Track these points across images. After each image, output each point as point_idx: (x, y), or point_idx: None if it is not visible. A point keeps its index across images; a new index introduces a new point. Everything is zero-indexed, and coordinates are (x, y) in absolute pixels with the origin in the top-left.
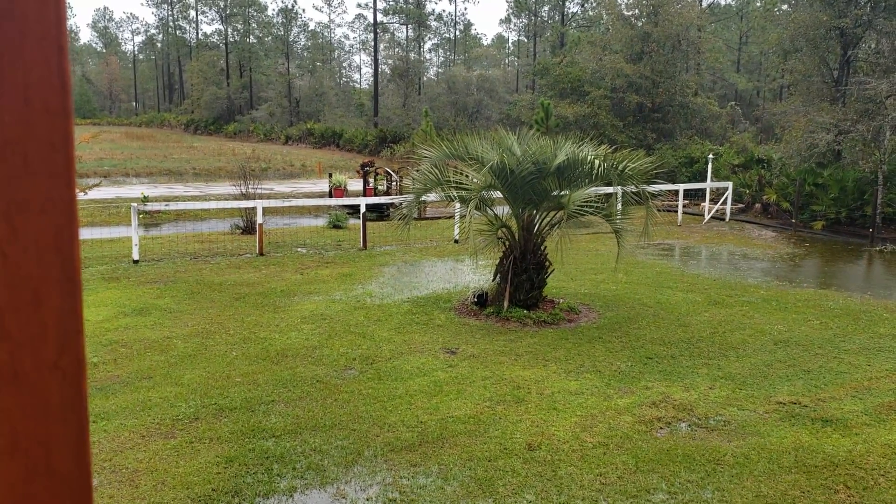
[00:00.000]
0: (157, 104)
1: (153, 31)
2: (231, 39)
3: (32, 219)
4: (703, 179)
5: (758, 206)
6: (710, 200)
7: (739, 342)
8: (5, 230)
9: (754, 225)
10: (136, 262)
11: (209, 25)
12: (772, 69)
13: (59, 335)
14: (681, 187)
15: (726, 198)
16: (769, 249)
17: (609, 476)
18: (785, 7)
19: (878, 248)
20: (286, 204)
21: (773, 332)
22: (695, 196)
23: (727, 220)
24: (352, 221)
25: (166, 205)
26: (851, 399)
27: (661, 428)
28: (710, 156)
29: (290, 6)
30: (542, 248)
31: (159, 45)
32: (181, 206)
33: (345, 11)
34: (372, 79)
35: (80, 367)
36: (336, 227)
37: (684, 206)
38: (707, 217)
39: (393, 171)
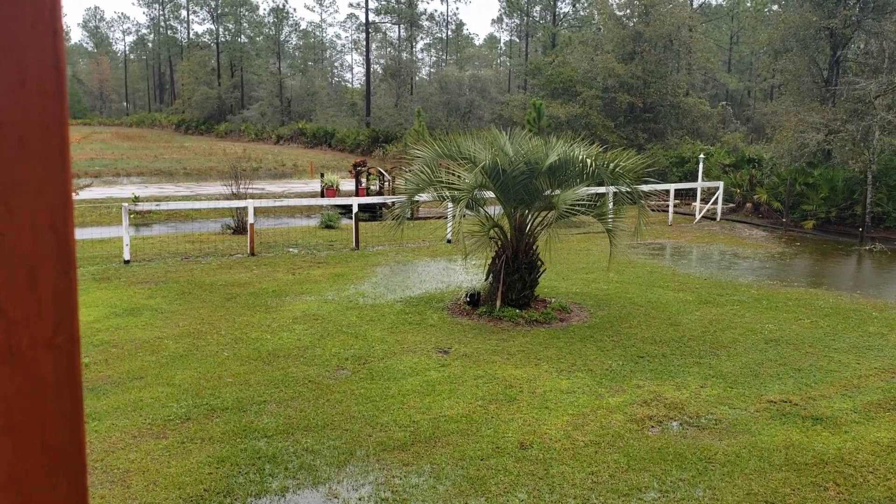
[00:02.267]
0: (148, 104)
1: (144, 30)
2: (222, 39)
3: (28, 199)
4: (694, 179)
5: (748, 205)
6: (701, 200)
7: (730, 341)
8: (1, 210)
9: (745, 224)
10: (126, 262)
11: (200, 25)
12: (762, 69)
13: (55, 313)
14: (672, 187)
15: (717, 197)
16: (760, 249)
17: (601, 475)
18: (775, 7)
19: (867, 248)
20: (278, 204)
21: (763, 331)
22: (686, 196)
23: (718, 219)
24: (344, 221)
25: (157, 205)
26: (841, 397)
27: (652, 427)
28: (701, 155)
29: (281, 6)
30: (534, 247)
31: (150, 44)
32: (172, 205)
33: (336, 11)
34: (364, 78)
35: (74, 345)
36: (328, 227)
37: (675, 206)
38: (698, 217)
39: (385, 171)
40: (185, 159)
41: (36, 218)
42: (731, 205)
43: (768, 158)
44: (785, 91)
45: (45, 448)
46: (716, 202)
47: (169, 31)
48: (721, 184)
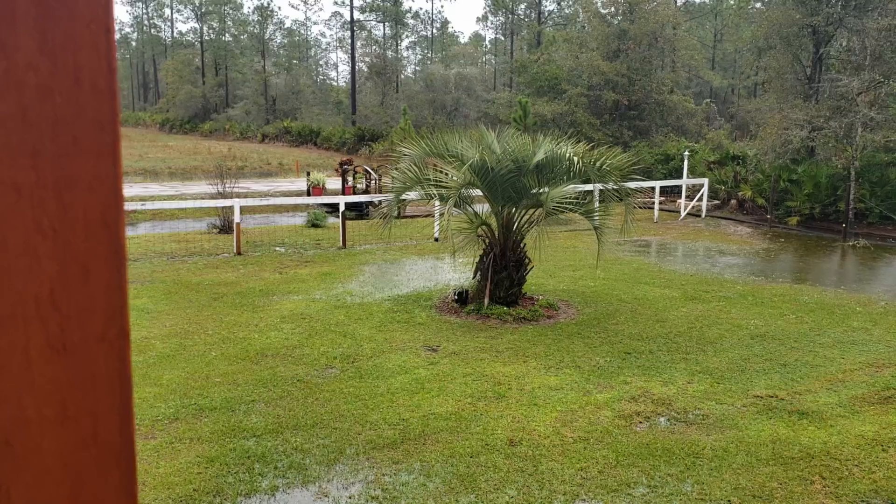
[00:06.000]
0: (132, 103)
1: (128, 29)
2: (206, 37)
3: (81, 196)
4: (679, 176)
5: (733, 202)
6: (686, 197)
7: (717, 337)
8: (56, 207)
9: (730, 221)
10: None
11: (184, 24)
12: (746, 66)
13: (107, 308)
14: (657, 184)
15: (702, 194)
16: (745, 245)
17: (590, 470)
18: (758, 5)
19: (850, 243)
20: (264, 203)
21: (749, 327)
22: (671, 193)
23: (703, 216)
24: (331, 220)
25: (142, 204)
26: (826, 392)
27: (640, 422)
28: (686, 153)
29: (265, 4)
30: (522, 245)
31: (134, 43)
32: (157, 205)
33: (321, 9)
34: (349, 76)
35: (125, 339)
36: (315, 225)
37: (661, 203)
38: (683, 213)
39: (372, 170)
40: (169, 158)
41: (88, 214)
42: (716, 201)
43: (752, 155)
44: (769, 88)
45: (97, 441)
46: (701, 199)
47: (153, 30)
48: (706, 181)
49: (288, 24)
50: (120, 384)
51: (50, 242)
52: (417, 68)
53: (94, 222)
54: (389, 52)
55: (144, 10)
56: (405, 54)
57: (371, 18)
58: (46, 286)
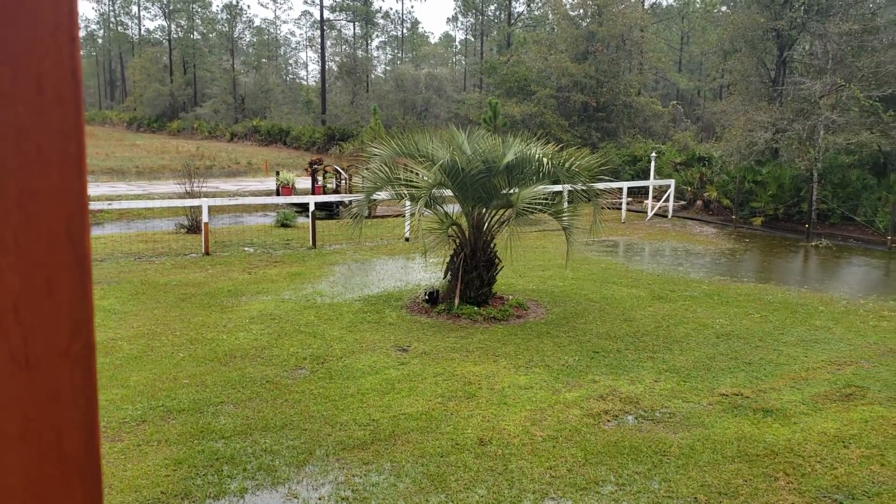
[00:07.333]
0: (99, 101)
1: (94, 26)
2: (174, 35)
3: (45, 207)
4: (646, 177)
5: (699, 203)
6: (653, 198)
7: (683, 336)
8: (19, 218)
9: (696, 221)
10: None
11: (152, 21)
12: (712, 69)
13: (71, 322)
14: (625, 185)
15: (669, 195)
16: (710, 245)
17: (559, 469)
18: (724, 8)
19: (813, 244)
20: (232, 202)
21: (715, 326)
22: (638, 194)
23: (670, 216)
24: (300, 220)
25: (109, 204)
26: (790, 389)
27: (608, 421)
28: (653, 154)
29: (234, 2)
30: (492, 245)
31: (100, 41)
32: (124, 204)
33: (290, 8)
34: (319, 76)
35: (90, 353)
36: (284, 225)
37: (628, 204)
38: (650, 214)
39: (342, 169)
40: (137, 157)
41: (53, 226)
42: (683, 202)
43: (718, 157)
44: (734, 90)
45: (61, 457)
46: (667, 200)
47: (119, 28)
48: (672, 182)
49: (257, 22)
50: (85, 399)
51: (13, 255)
52: (388, 68)
53: (58, 234)
54: (359, 52)
55: (111, 7)
56: (375, 54)
57: (341, 18)
58: (9, 300)
